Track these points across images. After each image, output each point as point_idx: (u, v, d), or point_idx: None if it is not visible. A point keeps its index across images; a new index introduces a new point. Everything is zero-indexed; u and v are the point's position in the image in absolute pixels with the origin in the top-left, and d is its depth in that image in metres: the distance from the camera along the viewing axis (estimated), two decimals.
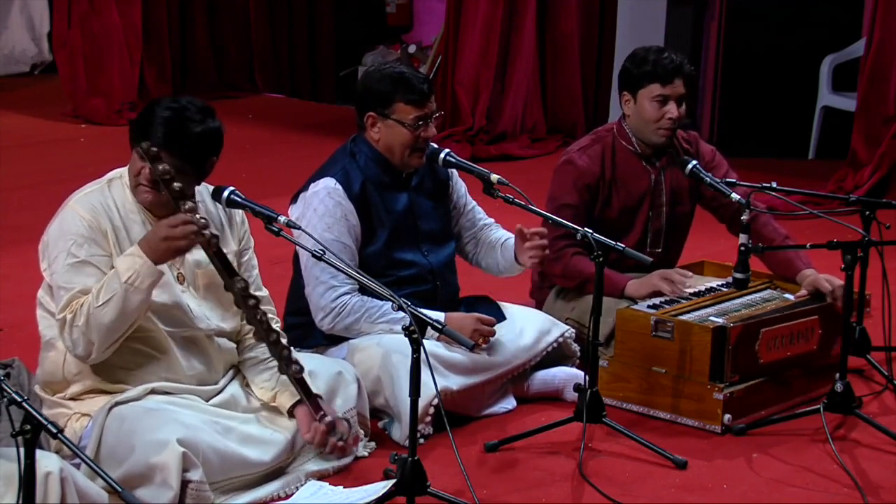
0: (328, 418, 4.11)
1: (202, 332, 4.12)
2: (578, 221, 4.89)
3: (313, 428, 4.10)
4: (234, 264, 4.12)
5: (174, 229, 3.84)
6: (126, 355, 4.02)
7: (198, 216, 3.87)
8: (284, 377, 4.14)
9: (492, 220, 5.01)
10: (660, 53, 5.04)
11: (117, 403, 3.96)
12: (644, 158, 5.16)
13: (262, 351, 4.20)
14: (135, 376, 4.04)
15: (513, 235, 4.82)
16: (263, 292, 4.30)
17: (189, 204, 3.86)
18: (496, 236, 4.94)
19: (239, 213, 4.25)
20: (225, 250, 4.03)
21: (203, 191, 4.17)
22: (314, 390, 4.15)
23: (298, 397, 4.13)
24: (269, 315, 4.17)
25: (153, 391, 4.02)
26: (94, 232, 3.96)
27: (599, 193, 5.12)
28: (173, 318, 4.06)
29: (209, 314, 4.15)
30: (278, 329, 4.18)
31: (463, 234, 4.96)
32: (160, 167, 3.84)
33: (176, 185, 3.85)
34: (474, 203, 4.98)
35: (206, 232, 3.88)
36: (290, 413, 4.17)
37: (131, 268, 3.84)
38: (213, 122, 4.00)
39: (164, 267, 3.98)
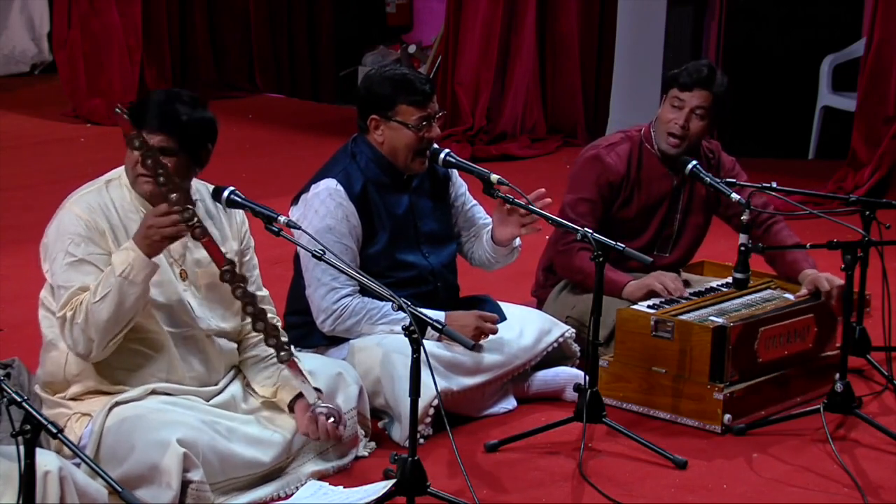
0: (321, 406, 4.11)
1: (202, 332, 4.13)
2: (594, 217, 4.94)
3: (307, 418, 4.11)
4: (237, 264, 4.12)
5: (160, 218, 3.86)
6: (125, 356, 4.03)
7: (187, 206, 3.86)
8: (285, 373, 4.15)
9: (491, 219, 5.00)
10: (699, 64, 5.07)
11: (117, 403, 3.97)
12: (667, 164, 5.15)
13: (263, 349, 4.21)
14: (134, 377, 4.05)
15: None
16: (264, 292, 4.30)
17: (174, 196, 3.86)
18: (487, 229, 4.93)
19: (239, 214, 4.26)
20: (224, 250, 4.04)
21: (203, 190, 4.18)
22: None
23: (298, 392, 4.14)
24: (269, 315, 4.17)
25: (153, 392, 4.03)
26: (92, 231, 3.98)
27: (621, 192, 5.12)
28: (175, 316, 4.07)
29: (210, 314, 4.15)
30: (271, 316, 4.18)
31: (463, 232, 4.96)
32: (143, 145, 3.85)
33: (160, 170, 3.85)
34: (475, 202, 4.97)
35: (190, 216, 3.85)
36: (291, 408, 4.18)
37: (125, 261, 3.86)
38: (205, 110, 4.05)
39: (165, 265, 4.00)
